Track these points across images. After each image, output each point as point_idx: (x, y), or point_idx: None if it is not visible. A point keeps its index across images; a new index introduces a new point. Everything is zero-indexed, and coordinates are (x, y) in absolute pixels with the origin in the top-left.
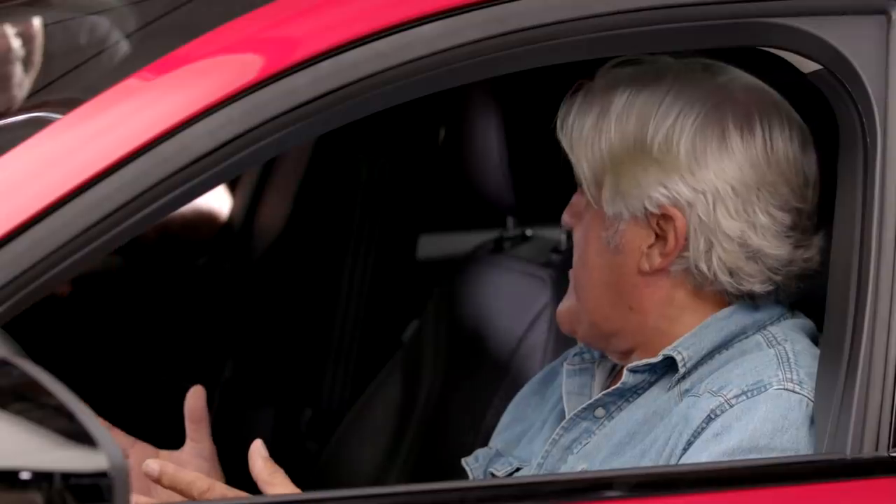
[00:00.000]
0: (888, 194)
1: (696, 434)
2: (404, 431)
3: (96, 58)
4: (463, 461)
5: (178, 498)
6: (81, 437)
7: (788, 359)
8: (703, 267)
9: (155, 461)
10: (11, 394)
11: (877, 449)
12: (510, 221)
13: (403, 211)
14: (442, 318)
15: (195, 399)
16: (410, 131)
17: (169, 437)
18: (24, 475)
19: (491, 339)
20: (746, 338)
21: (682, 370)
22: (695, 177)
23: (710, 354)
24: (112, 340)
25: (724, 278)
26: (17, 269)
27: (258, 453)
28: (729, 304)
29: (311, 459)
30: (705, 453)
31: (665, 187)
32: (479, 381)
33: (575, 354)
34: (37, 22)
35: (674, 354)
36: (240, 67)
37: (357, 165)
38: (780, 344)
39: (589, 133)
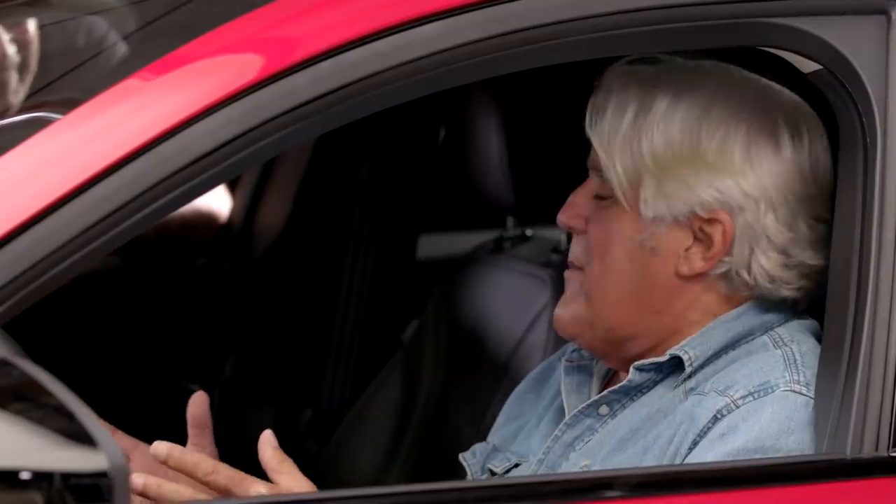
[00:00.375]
0: (888, 194)
1: (702, 434)
2: (404, 431)
3: (96, 58)
4: (460, 456)
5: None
6: (81, 437)
7: (795, 360)
8: (744, 273)
9: (163, 443)
10: (11, 394)
11: (877, 449)
12: (510, 221)
13: (403, 211)
14: (442, 318)
15: (198, 405)
16: (410, 131)
17: (169, 437)
18: (24, 475)
19: (491, 339)
20: (753, 338)
21: (688, 370)
22: (748, 181)
23: (716, 354)
24: (112, 340)
25: (765, 284)
26: (17, 269)
27: (268, 443)
28: (742, 305)
29: (311, 459)
30: (711, 453)
31: (717, 190)
32: (478, 381)
33: (573, 350)
34: (37, 22)
35: (680, 354)
36: (240, 67)
37: (357, 165)
38: (786, 345)
39: (626, 133)
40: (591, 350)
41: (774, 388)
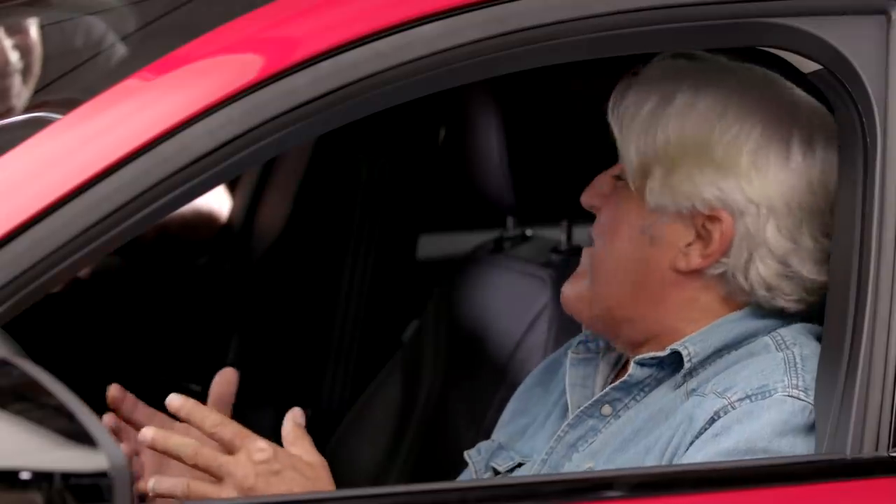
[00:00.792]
0: (888, 194)
1: (699, 434)
2: (404, 431)
3: (96, 58)
4: (465, 454)
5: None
6: (81, 437)
7: (796, 364)
8: (741, 277)
9: (177, 396)
10: (11, 394)
11: (877, 449)
12: (510, 221)
13: (403, 211)
14: (442, 318)
15: (225, 384)
16: (410, 131)
17: None
18: (24, 475)
19: (491, 339)
20: (756, 339)
21: (687, 365)
22: (752, 186)
23: (717, 353)
24: (112, 340)
25: (761, 292)
26: (17, 269)
27: (292, 419)
28: (745, 307)
29: None
30: (702, 452)
31: (720, 190)
32: (479, 381)
33: (580, 343)
34: (34, 23)
35: (680, 349)
36: (240, 67)
37: (357, 165)
38: (788, 348)
39: (644, 121)
40: (594, 329)
41: (772, 391)
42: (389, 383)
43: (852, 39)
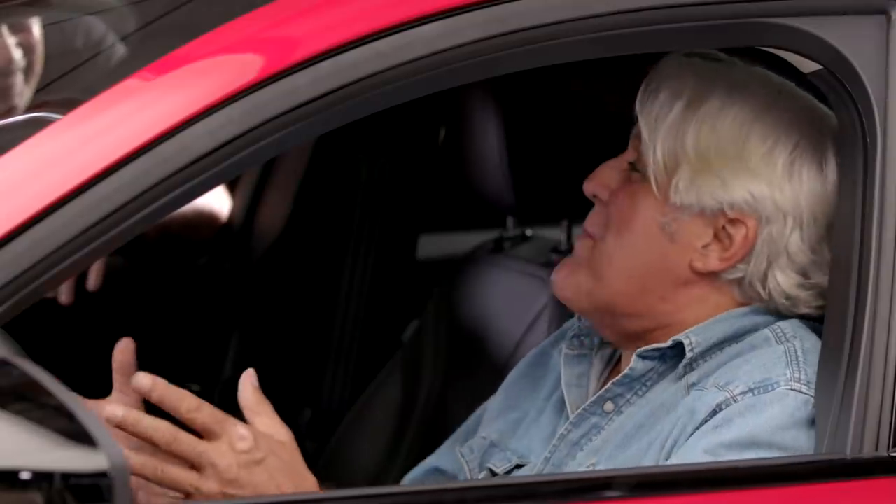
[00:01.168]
0: (888, 194)
1: (699, 426)
2: (404, 431)
3: (96, 58)
4: (457, 452)
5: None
6: (81, 437)
7: (797, 357)
8: (758, 285)
9: (146, 375)
10: (11, 394)
11: (877, 449)
12: (510, 221)
13: (403, 211)
14: (442, 318)
15: (124, 353)
16: (410, 131)
17: None
18: (24, 475)
19: (491, 339)
20: (756, 332)
21: (689, 355)
22: (784, 194)
23: (718, 346)
24: (112, 340)
25: (781, 300)
26: (17, 269)
27: (248, 381)
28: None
29: (310, 459)
30: (702, 442)
31: (751, 195)
32: (479, 381)
33: (573, 337)
34: (37, 22)
35: (682, 339)
36: (240, 67)
37: (357, 165)
38: (788, 341)
39: (674, 120)
40: (585, 315)
41: (775, 385)
42: (389, 383)
43: (852, 39)
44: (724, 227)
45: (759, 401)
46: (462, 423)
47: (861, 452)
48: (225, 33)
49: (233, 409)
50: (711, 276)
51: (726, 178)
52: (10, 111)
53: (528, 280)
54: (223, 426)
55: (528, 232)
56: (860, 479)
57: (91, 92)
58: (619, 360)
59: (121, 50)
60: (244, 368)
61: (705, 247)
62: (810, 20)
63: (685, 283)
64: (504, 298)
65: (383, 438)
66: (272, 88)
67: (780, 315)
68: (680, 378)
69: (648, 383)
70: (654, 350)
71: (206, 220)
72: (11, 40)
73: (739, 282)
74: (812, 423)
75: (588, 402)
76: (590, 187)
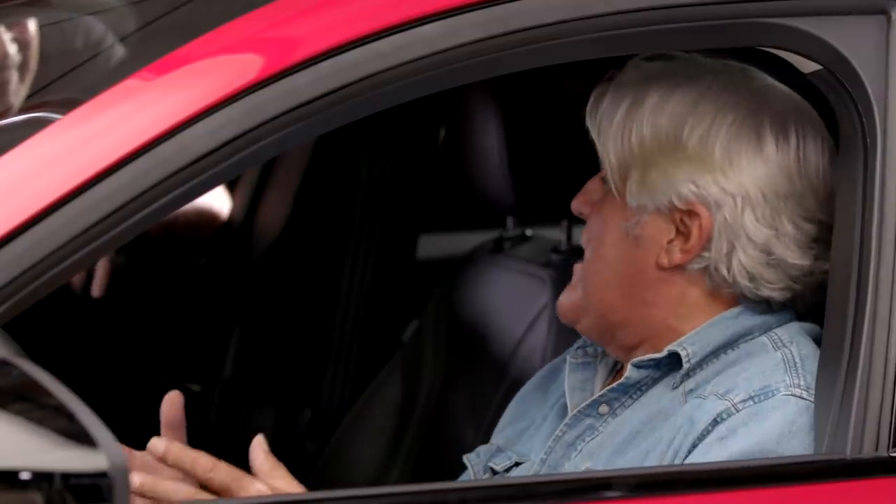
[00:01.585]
0: (888, 194)
1: (701, 437)
2: (404, 431)
3: (96, 58)
4: (465, 458)
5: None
6: (81, 437)
7: (795, 363)
8: (723, 269)
9: (160, 439)
10: (11, 394)
11: (877, 449)
12: (510, 221)
13: (403, 211)
14: (442, 318)
15: (172, 407)
16: (410, 131)
17: None
18: (24, 475)
19: (491, 339)
20: (752, 339)
21: (686, 366)
22: (726, 178)
23: (715, 353)
24: (112, 340)
25: (743, 282)
26: (17, 269)
27: (260, 447)
28: (740, 305)
29: (310, 460)
30: (709, 457)
31: (695, 184)
32: (479, 381)
33: (578, 348)
34: (37, 22)
35: (679, 350)
36: (240, 67)
37: (357, 165)
38: (786, 346)
39: (619, 123)
40: (589, 335)
41: (775, 392)
42: (389, 383)
43: (852, 39)
44: (682, 220)
45: (760, 408)
46: (462, 424)
47: (861, 452)
48: (225, 33)
49: (233, 409)
50: (679, 270)
51: (669, 172)
52: (6, 107)
53: (528, 280)
54: (240, 483)
55: (528, 232)
56: (860, 480)
57: (91, 92)
58: (622, 367)
59: (121, 50)
60: (244, 368)
61: (670, 242)
62: (810, 20)
63: (658, 282)
64: (504, 298)
65: (383, 438)
66: (272, 88)
67: (769, 315)
68: (676, 385)
69: (644, 388)
70: (649, 360)
71: (207, 220)
72: (6, 37)
73: (706, 270)
74: (814, 428)
75: (583, 405)
76: (575, 206)
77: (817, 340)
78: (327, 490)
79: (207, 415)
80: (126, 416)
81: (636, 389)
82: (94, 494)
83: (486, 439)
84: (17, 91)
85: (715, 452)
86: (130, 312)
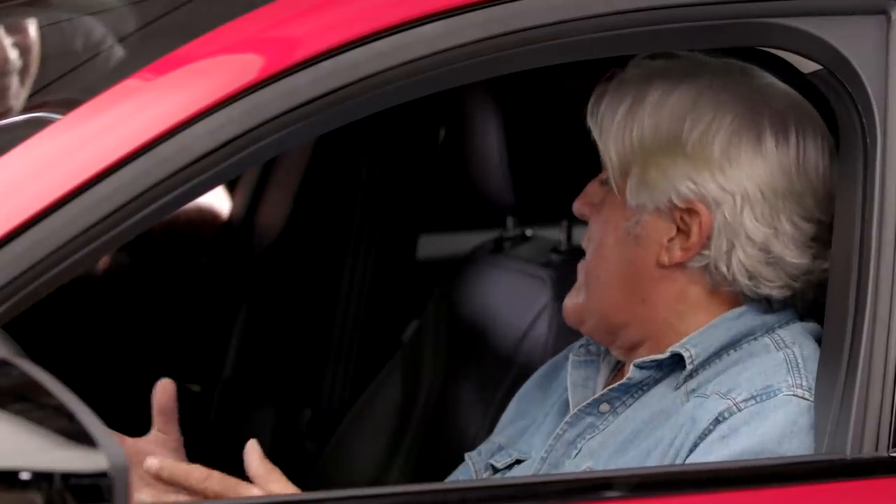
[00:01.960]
0: (888, 194)
1: (703, 436)
2: (404, 431)
3: (96, 58)
4: (467, 456)
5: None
6: (81, 437)
7: (797, 364)
8: (723, 267)
9: (155, 458)
10: (11, 394)
11: (877, 449)
12: (510, 221)
13: (403, 211)
14: (442, 318)
15: (164, 393)
16: (410, 131)
17: None
18: (24, 475)
19: (491, 339)
20: (755, 339)
21: (689, 367)
22: (725, 176)
23: (717, 354)
24: (112, 340)
25: (743, 280)
26: (17, 269)
27: (254, 452)
28: (741, 304)
29: (310, 459)
30: (711, 456)
31: (694, 182)
32: (479, 381)
33: (581, 346)
34: (37, 24)
35: (682, 351)
36: (240, 67)
37: (357, 165)
38: (788, 347)
39: (620, 122)
40: (592, 337)
41: (777, 392)
42: (389, 383)
43: (852, 39)
44: (682, 219)
45: (762, 408)
46: (462, 423)
47: (861, 452)
48: (225, 33)
49: (233, 409)
50: (680, 268)
51: (668, 170)
52: (7, 111)
53: (528, 280)
54: (235, 490)
55: (528, 232)
56: (860, 480)
57: (91, 92)
58: (624, 366)
59: (121, 50)
60: (244, 368)
61: (670, 241)
62: (810, 20)
63: (659, 280)
64: (504, 298)
65: (383, 438)
66: (272, 88)
67: (772, 315)
68: (679, 386)
69: (645, 388)
70: (651, 361)
71: (207, 220)
72: (7, 40)
73: (706, 268)
74: (816, 429)
75: (584, 404)
76: (576, 207)
77: (819, 341)
78: (327, 490)
79: (207, 415)
80: (126, 415)
81: (638, 389)
82: (94, 494)
83: (486, 439)
84: (18, 95)
85: (717, 451)
86: (131, 312)
